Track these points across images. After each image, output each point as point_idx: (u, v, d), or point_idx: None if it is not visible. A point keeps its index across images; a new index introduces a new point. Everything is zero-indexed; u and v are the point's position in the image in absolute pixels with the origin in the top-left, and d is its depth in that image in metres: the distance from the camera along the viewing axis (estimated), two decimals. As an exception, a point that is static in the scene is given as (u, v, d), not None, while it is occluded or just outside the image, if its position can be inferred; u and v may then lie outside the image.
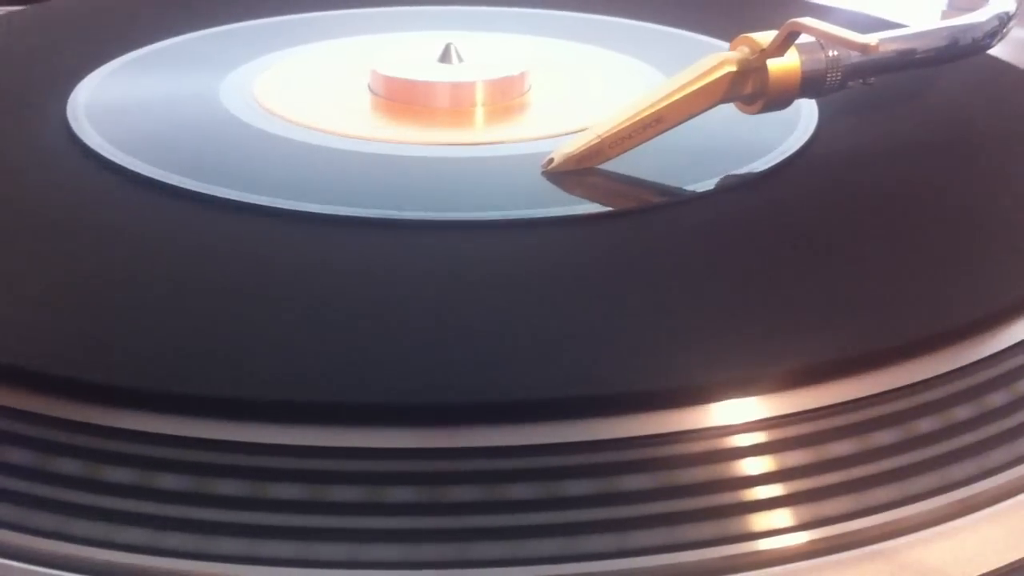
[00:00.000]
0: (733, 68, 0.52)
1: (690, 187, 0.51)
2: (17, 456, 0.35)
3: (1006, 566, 0.34)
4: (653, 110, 0.51)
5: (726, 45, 0.53)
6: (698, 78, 0.51)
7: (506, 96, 0.61)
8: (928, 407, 0.38)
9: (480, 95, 0.60)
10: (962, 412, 0.38)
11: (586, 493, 0.34)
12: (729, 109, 0.53)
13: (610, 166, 0.51)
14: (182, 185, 0.49)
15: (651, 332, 0.40)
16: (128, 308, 0.41)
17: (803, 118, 0.57)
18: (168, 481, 0.34)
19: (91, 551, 0.33)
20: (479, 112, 0.60)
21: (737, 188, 0.51)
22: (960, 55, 0.58)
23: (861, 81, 0.54)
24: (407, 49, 0.65)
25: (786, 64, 0.52)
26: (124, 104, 0.60)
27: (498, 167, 0.54)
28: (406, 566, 0.33)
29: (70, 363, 0.37)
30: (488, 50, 0.65)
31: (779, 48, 0.51)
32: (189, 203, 0.48)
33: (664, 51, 0.68)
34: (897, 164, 0.54)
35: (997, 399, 0.39)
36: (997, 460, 0.37)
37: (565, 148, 0.51)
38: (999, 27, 0.59)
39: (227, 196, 0.48)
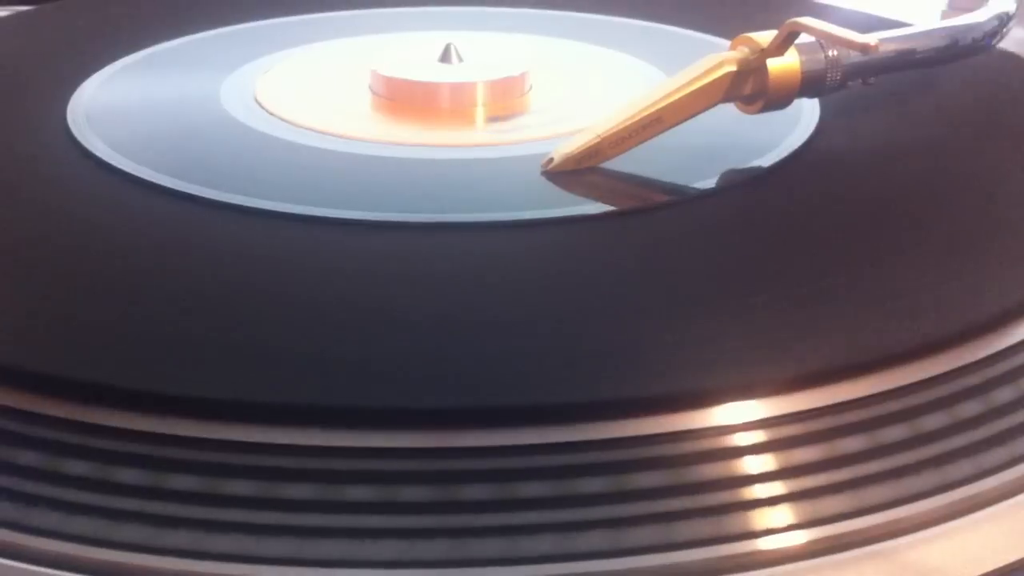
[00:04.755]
0: (733, 68, 0.52)
1: (691, 186, 0.51)
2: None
3: (1006, 566, 0.34)
4: (653, 110, 0.51)
5: (727, 44, 0.53)
6: (698, 78, 0.51)
7: (507, 96, 0.61)
8: (928, 406, 0.38)
9: (481, 95, 0.60)
10: (963, 411, 0.38)
11: (584, 492, 0.34)
12: (730, 108, 0.53)
13: (610, 165, 0.51)
14: (181, 188, 0.49)
15: (651, 332, 0.40)
16: (127, 308, 0.41)
17: (805, 117, 0.57)
18: (182, 482, 0.34)
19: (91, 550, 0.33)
20: (480, 112, 0.60)
21: (738, 187, 0.51)
22: (960, 55, 0.58)
23: (861, 81, 0.54)
24: (407, 49, 0.65)
25: (786, 64, 0.52)
26: (124, 107, 0.60)
27: (498, 167, 0.54)
28: (388, 566, 0.33)
29: (65, 363, 0.37)
30: (488, 50, 0.64)
31: (779, 48, 0.51)
32: (190, 205, 0.48)
33: (665, 50, 0.68)
34: (898, 163, 0.54)
35: (998, 398, 0.39)
36: (997, 460, 0.37)
37: (565, 148, 0.51)
38: (999, 27, 0.59)
39: (227, 200, 0.48)
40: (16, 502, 0.34)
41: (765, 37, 0.52)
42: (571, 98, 0.62)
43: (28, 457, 0.35)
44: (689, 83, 0.51)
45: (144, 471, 0.35)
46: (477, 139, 0.57)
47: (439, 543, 0.33)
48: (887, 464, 0.36)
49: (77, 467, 0.35)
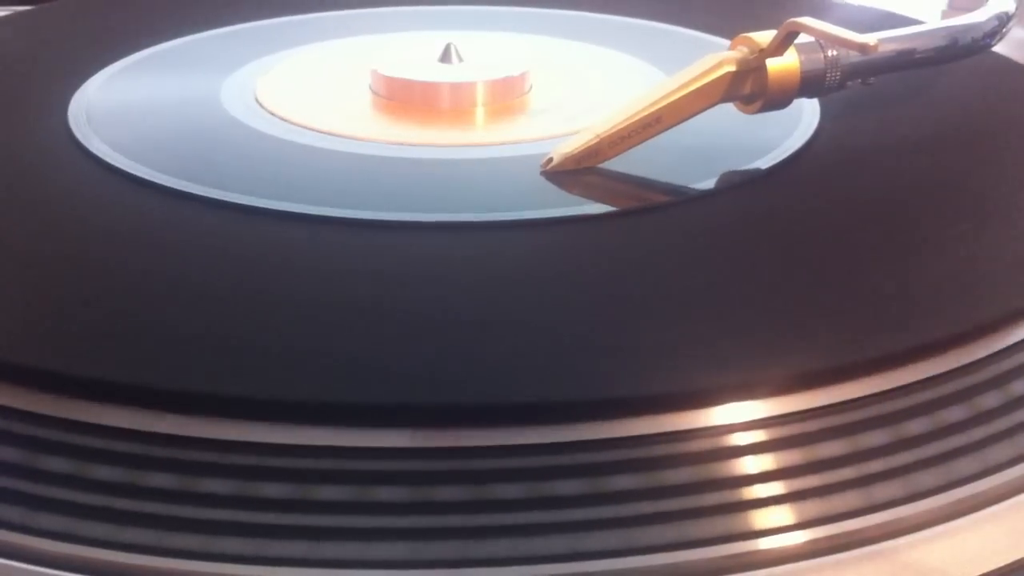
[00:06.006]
0: (732, 68, 0.52)
1: (690, 186, 0.51)
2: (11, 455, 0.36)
3: (1006, 566, 0.34)
4: (652, 110, 0.51)
5: (727, 43, 0.53)
6: (697, 78, 0.51)
7: (507, 96, 0.61)
8: (928, 406, 0.38)
9: (481, 95, 0.60)
10: (962, 411, 0.38)
11: (586, 492, 0.34)
12: (730, 108, 0.53)
13: (609, 165, 0.51)
14: (183, 188, 0.49)
15: (651, 332, 0.40)
16: (128, 309, 0.41)
17: (805, 117, 0.57)
18: (161, 480, 0.34)
19: (93, 551, 0.33)
20: (480, 112, 0.60)
21: (738, 187, 0.51)
22: (959, 55, 0.58)
23: (860, 81, 0.54)
24: (408, 49, 0.65)
25: (785, 64, 0.52)
26: (125, 107, 0.60)
27: (498, 167, 0.54)
28: (404, 565, 0.33)
29: (69, 362, 0.37)
30: (488, 50, 0.65)
31: (778, 48, 0.51)
32: (189, 205, 0.48)
33: (665, 50, 0.68)
34: (899, 163, 0.54)
35: (997, 398, 0.39)
36: (997, 459, 0.37)
37: (564, 148, 0.51)
38: (998, 27, 0.59)
39: (227, 199, 0.48)
40: (18, 504, 0.34)
41: (764, 37, 0.52)
42: (572, 98, 0.62)
43: (18, 455, 0.36)
44: (688, 83, 0.51)
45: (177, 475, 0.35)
46: (477, 139, 0.57)
47: (450, 543, 0.33)
48: (887, 464, 0.36)
49: (110, 473, 0.35)
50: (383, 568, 0.33)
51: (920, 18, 0.71)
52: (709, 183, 0.51)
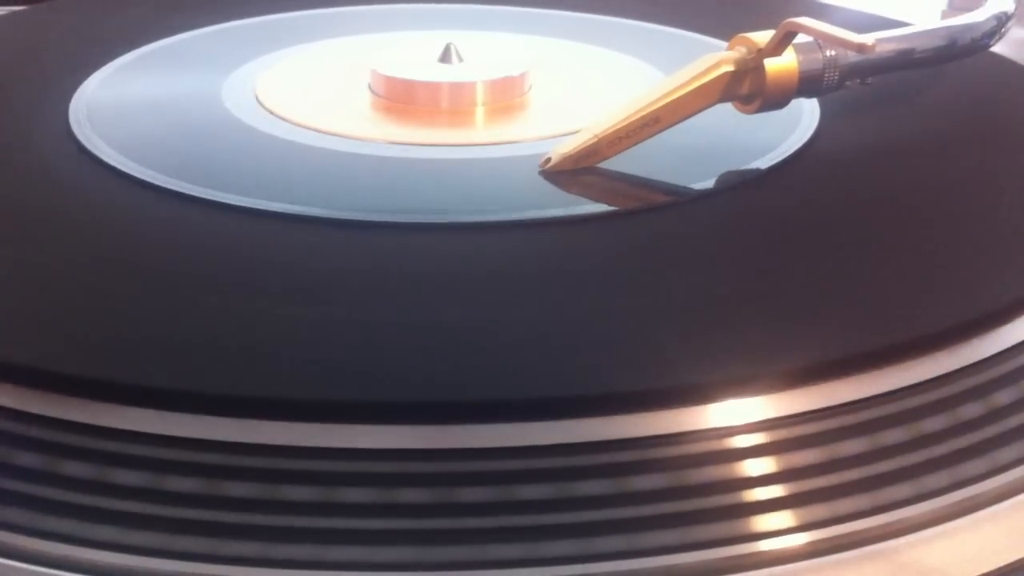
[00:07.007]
0: (730, 68, 0.52)
1: (690, 186, 0.51)
2: (26, 459, 0.36)
3: (1006, 566, 0.34)
4: (650, 110, 0.51)
5: (726, 45, 0.53)
6: (695, 78, 0.51)
7: (506, 96, 0.61)
8: (929, 407, 0.38)
9: (480, 95, 0.60)
10: (963, 412, 0.38)
11: (587, 494, 0.34)
12: (729, 108, 0.53)
13: (608, 165, 0.51)
14: (182, 188, 0.49)
15: (651, 332, 0.40)
16: (128, 308, 0.41)
17: (804, 117, 0.57)
18: (177, 483, 0.34)
19: (101, 554, 0.33)
20: (479, 112, 0.60)
21: (738, 187, 0.51)
22: (958, 55, 0.59)
23: (859, 81, 0.54)
24: (407, 49, 0.65)
25: (783, 64, 0.52)
26: (125, 105, 0.60)
27: (498, 167, 0.54)
28: (418, 567, 0.33)
29: (72, 363, 0.37)
30: (488, 50, 0.64)
31: (776, 48, 0.51)
32: (189, 204, 0.48)
33: (665, 51, 0.68)
34: (899, 163, 0.54)
35: (999, 399, 0.39)
36: (997, 460, 0.37)
37: (562, 147, 0.51)
38: (997, 27, 0.59)
39: (226, 199, 0.48)
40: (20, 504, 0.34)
41: (763, 37, 0.52)
42: (571, 98, 0.62)
43: (26, 458, 0.36)
44: (687, 83, 0.51)
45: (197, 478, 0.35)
46: (477, 139, 0.57)
47: (449, 547, 0.33)
48: (887, 465, 0.36)
49: (126, 476, 0.35)
50: (378, 570, 0.33)
51: (916, 19, 0.70)
52: (708, 183, 0.51)
